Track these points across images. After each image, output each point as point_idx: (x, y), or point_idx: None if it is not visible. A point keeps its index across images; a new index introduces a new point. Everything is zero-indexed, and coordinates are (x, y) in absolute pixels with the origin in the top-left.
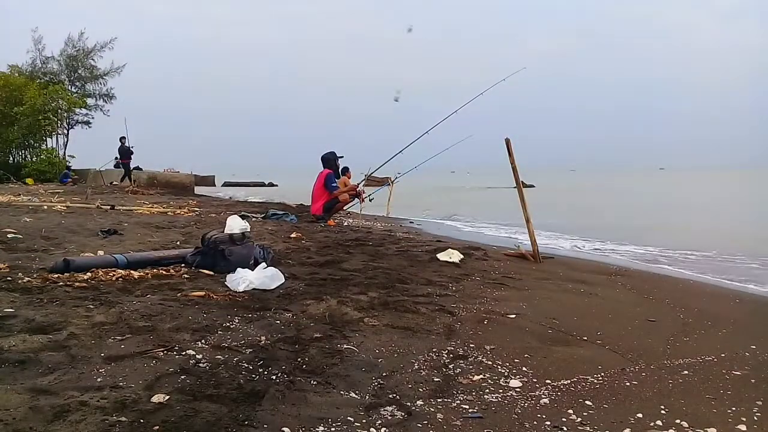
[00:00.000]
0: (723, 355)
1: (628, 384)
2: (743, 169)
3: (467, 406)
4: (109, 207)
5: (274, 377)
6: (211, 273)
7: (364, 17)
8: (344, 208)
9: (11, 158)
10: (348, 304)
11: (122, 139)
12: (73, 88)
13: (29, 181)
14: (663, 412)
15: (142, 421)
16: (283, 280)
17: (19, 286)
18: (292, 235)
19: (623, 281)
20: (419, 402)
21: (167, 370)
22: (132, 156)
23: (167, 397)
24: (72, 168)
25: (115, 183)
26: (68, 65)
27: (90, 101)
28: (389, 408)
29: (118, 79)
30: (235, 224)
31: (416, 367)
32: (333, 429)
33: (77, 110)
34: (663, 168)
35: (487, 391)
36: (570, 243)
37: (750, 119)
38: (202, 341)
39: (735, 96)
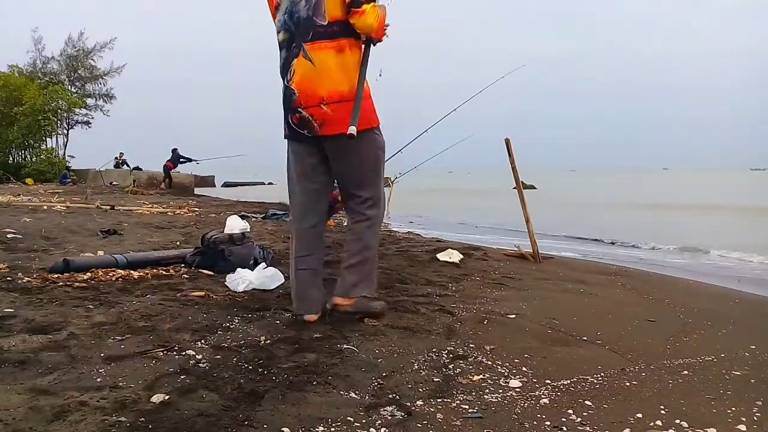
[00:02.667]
0: (723, 355)
1: (627, 384)
2: (744, 169)
3: (467, 406)
4: (108, 207)
5: (273, 377)
6: (211, 273)
7: None
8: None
9: (11, 158)
10: None
11: (175, 150)
12: (72, 88)
13: (29, 181)
14: (663, 412)
15: (142, 421)
16: (283, 280)
17: (19, 286)
18: None
19: (623, 281)
20: (419, 402)
21: (167, 370)
22: (179, 163)
23: (167, 397)
24: (71, 168)
25: (115, 183)
26: (68, 65)
27: (90, 101)
28: (389, 408)
29: (118, 79)
30: (234, 224)
31: (416, 367)
32: (333, 429)
33: (77, 110)
34: (666, 168)
35: (487, 391)
36: (570, 243)
37: (751, 120)
38: (202, 341)
39: (738, 97)
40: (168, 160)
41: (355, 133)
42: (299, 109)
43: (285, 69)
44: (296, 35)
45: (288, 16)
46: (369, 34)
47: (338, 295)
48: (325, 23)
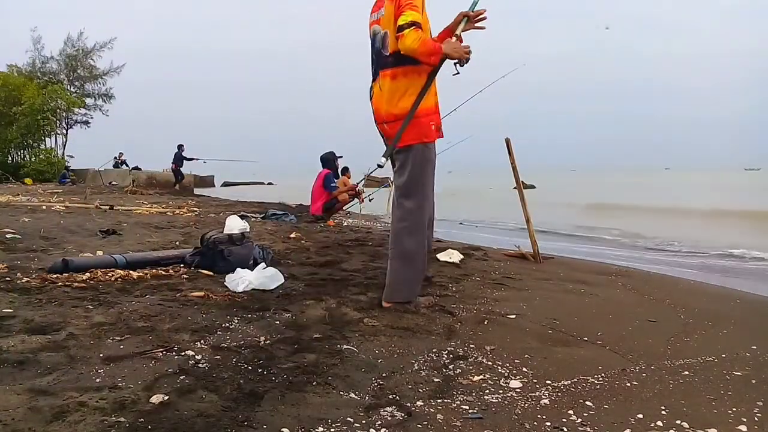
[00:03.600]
0: (724, 355)
1: (628, 384)
2: (738, 169)
3: (467, 407)
4: (108, 207)
5: (273, 378)
6: (211, 273)
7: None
8: (344, 208)
9: (10, 158)
10: (348, 304)
11: (180, 146)
12: (72, 87)
13: (28, 181)
14: (663, 412)
15: (141, 421)
16: (283, 281)
17: (18, 287)
18: (292, 236)
19: (624, 281)
20: (419, 402)
21: (166, 370)
22: (183, 162)
23: (166, 398)
24: (70, 168)
25: (114, 183)
26: (67, 65)
27: (89, 101)
28: (389, 408)
29: (117, 79)
30: (234, 224)
31: (416, 367)
32: (332, 429)
33: (76, 110)
34: (668, 168)
35: (488, 391)
36: (570, 242)
37: (754, 120)
38: (202, 342)
39: (739, 97)
40: (173, 162)
41: (383, 164)
42: (377, 125)
43: (370, 89)
44: (375, 63)
45: (371, 45)
46: (412, 56)
47: (384, 298)
48: (388, 54)
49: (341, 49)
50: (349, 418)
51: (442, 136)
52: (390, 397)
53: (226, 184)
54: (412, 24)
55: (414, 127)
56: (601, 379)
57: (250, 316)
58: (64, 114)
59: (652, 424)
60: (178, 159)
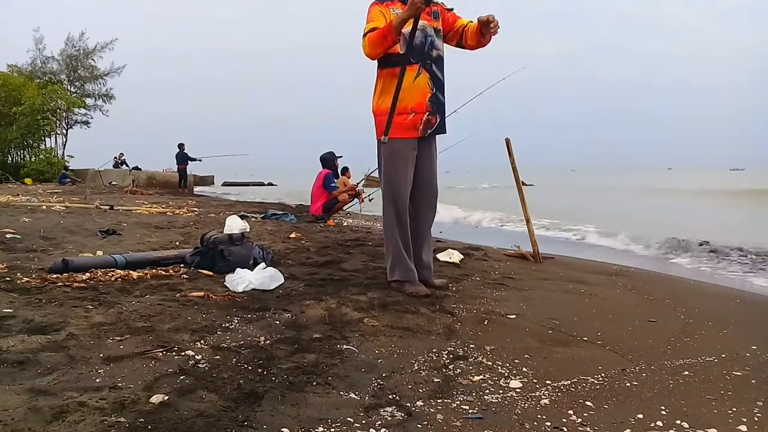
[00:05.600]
0: (724, 355)
1: (628, 384)
2: (744, 169)
3: (467, 407)
4: (107, 207)
5: (273, 378)
6: (211, 273)
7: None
8: (344, 208)
9: (10, 158)
10: (348, 304)
11: (181, 145)
12: (72, 87)
13: (28, 181)
14: (663, 412)
15: (141, 421)
16: (283, 281)
17: (18, 287)
18: (292, 236)
19: (624, 281)
20: (419, 402)
21: (166, 370)
22: (189, 162)
23: (166, 398)
24: (70, 168)
25: (114, 183)
26: (68, 65)
27: (89, 101)
28: (389, 408)
29: (117, 79)
30: (234, 224)
31: (416, 367)
32: (332, 429)
33: (76, 110)
34: (671, 168)
35: (487, 391)
36: (570, 242)
37: (759, 119)
38: (202, 342)
39: (741, 98)
40: (180, 162)
41: (382, 139)
42: None
43: None
44: None
45: None
46: (376, 56)
47: None
48: None
49: (343, 49)
50: (349, 418)
51: (418, 135)
52: (390, 397)
53: (226, 184)
54: (362, 37)
55: (376, 126)
56: (601, 379)
57: (250, 316)
58: (64, 114)
59: (652, 424)
60: (183, 159)
